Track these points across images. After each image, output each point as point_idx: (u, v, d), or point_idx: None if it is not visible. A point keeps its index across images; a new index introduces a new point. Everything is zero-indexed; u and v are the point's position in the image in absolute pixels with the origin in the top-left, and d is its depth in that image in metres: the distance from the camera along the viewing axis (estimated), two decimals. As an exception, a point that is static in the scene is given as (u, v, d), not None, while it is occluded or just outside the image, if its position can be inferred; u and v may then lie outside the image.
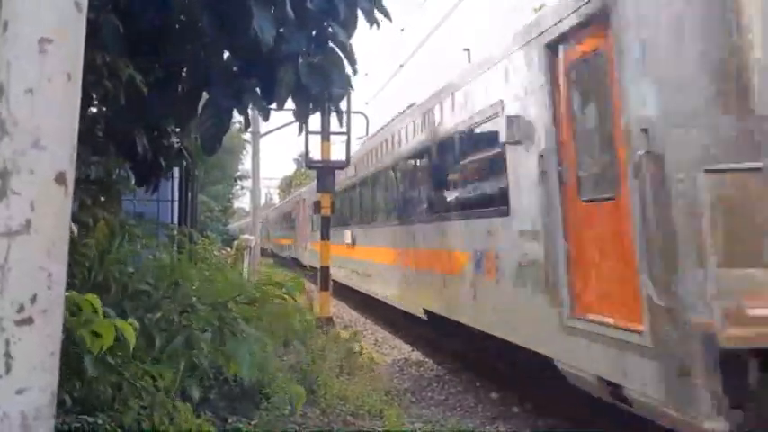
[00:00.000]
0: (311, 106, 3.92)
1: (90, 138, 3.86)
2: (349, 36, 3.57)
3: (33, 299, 1.03)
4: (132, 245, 3.58)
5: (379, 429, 6.12)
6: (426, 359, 10.34)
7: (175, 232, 4.61)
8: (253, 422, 5.09)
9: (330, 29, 3.59)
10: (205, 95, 3.81)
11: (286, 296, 2.92)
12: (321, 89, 3.58)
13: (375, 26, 3.57)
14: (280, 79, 3.47)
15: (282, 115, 17.96)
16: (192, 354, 2.63)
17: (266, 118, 4.06)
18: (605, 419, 5.79)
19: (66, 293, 1.95)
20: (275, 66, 3.48)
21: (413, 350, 11.14)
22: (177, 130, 4.49)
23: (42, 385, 1.05)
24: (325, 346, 8.89)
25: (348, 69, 3.62)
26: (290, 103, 3.78)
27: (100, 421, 3.49)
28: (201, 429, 3.97)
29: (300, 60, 3.49)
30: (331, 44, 3.57)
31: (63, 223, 1.12)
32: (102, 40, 3.17)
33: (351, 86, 3.77)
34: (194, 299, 2.85)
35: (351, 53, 3.52)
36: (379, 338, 12.59)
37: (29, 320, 1.02)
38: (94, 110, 4.12)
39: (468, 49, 14.95)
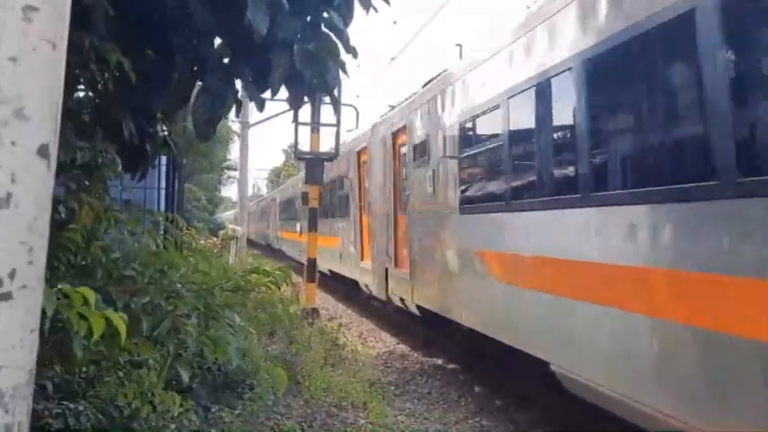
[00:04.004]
0: (306, 93, 3.88)
1: (76, 121, 3.81)
2: (346, 22, 3.53)
3: (12, 274, 1.00)
4: (118, 230, 3.54)
5: (363, 421, 6.13)
6: (411, 352, 10.37)
7: (160, 218, 4.56)
8: (236, 412, 5.07)
9: (326, 14, 3.55)
10: (198, 83, 3.77)
11: (271, 285, 2.90)
12: (316, 76, 3.54)
13: (372, 10, 3.53)
14: (274, 66, 3.43)
15: (272, 105, 17.90)
16: (179, 338, 2.61)
17: (261, 108, 4.01)
18: (585, 412, 5.83)
19: (59, 285, 1.92)
20: (269, 53, 3.44)
21: (398, 343, 11.16)
22: (164, 117, 4.44)
23: (21, 364, 1.02)
24: (310, 338, 8.88)
25: (344, 56, 3.58)
26: (282, 93, 3.74)
27: (81, 407, 3.47)
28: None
29: (295, 47, 3.45)
30: (326, 30, 3.52)
31: (45, 197, 1.09)
32: (91, 24, 3.12)
33: (346, 73, 3.73)
34: (180, 285, 2.83)
35: (346, 39, 3.48)
36: (365, 331, 12.60)
37: (7, 296, 0.99)
38: (81, 94, 4.07)
39: (460, 45, 14.89)
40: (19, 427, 1.00)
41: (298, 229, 22.01)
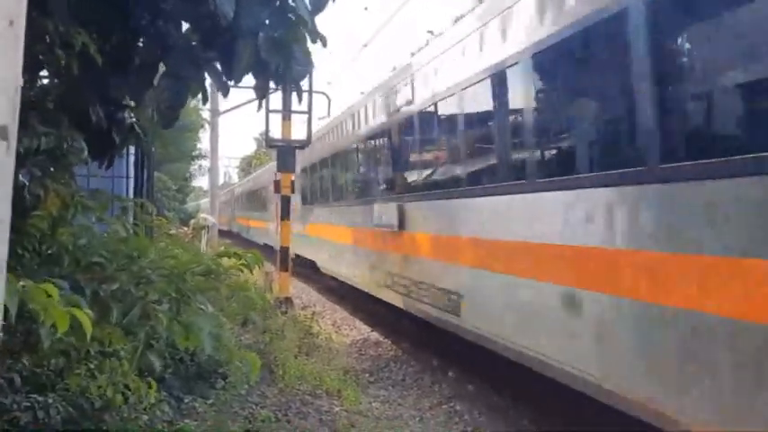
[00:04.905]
0: (271, 82, 3.84)
1: (40, 109, 3.72)
2: (315, 10, 3.48)
3: (-29, 260, 0.96)
4: (85, 217, 3.47)
5: (338, 408, 6.13)
6: (385, 340, 10.39)
7: (129, 204, 4.48)
8: (209, 402, 5.03)
9: (293, 2, 3.50)
10: (161, 68, 3.70)
11: (243, 268, 2.87)
12: (282, 64, 3.50)
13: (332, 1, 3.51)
14: (239, 54, 3.38)
15: (243, 93, 17.67)
16: (150, 325, 2.56)
17: (225, 94, 3.97)
18: (560, 398, 5.91)
19: (21, 284, 1.86)
20: (234, 40, 3.39)
21: (372, 331, 11.19)
22: (132, 104, 4.36)
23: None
24: (284, 327, 8.84)
25: (310, 44, 3.54)
26: (250, 80, 3.69)
27: (50, 400, 3.41)
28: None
29: (260, 35, 3.40)
30: (292, 17, 3.47)
31: (5, 180, 1.04)
32: (48, 6, 3.03)
33: (311, 63, 3.69)
34: (149, 271, 2.77)
35: (313, 26, 3.43)
36: (339, 319, 12.59)
37: (-32, 284, 0.96)
38: (45, 81, 3.97)
39: (431, 31, 14.83)
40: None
41: (384, 216, 9.34)
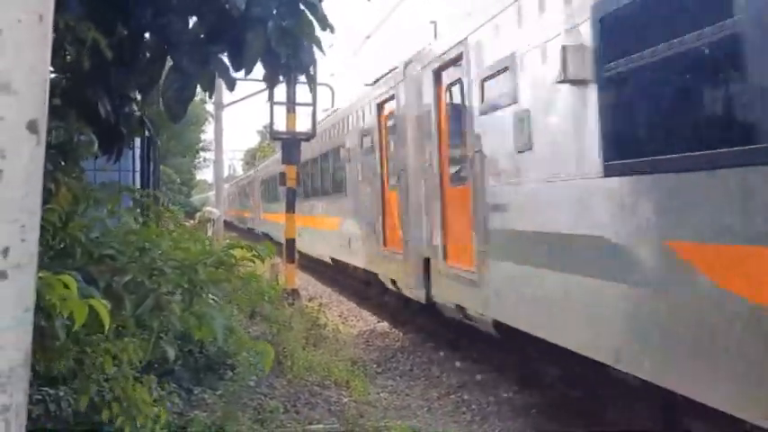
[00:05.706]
0: (281, 72, 3.83)
1: (49, 103, 3.73)
2: None
3: (5, 252, 0.98)
4: (96, 210, 3.48)
5: (346, 399, 6.17)
6: (392, 330, 10.42)
7: (139, 196, 4.49)
8: (218, 393, 5.07)
9: None
10: (169, 61, 3.69)
11: (254, 260, 2.89)
12: (291, 54, 3.49)
13: None
14: (249, 44, 3.37)
15: (247, 86, 17.58)
16: (163, 315, 2.57)
17: (231, 88, 3.95)
18: (569, 388, 5.95)
19: (40, 274, 1.88)
20: (244, 30, 3.38)
21: (378, 322, 11.22)
22: (139, 97, 4.36)
23: (17, 344, 1.00)
24: (291, 318, 8.88)
25: (319, 32, 3.53)
26: (256, 73, 3.68)
27: (62, 393, 3.43)
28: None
29: (270, 24, 3.39)
30: (301, 6, 3.46)
31: (36, 173, 1.06)
32: (63, 2, 3.03)
33: (322, 51, 3.68)
34: (161, 263, 2.78)
35: (322, 15, 3.43)
36: (345, 310, 12.63)
37: (2, 275, 0.97)
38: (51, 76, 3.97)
39: (434, 22, 14.79)
40: (17, 408, 0.99)
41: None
